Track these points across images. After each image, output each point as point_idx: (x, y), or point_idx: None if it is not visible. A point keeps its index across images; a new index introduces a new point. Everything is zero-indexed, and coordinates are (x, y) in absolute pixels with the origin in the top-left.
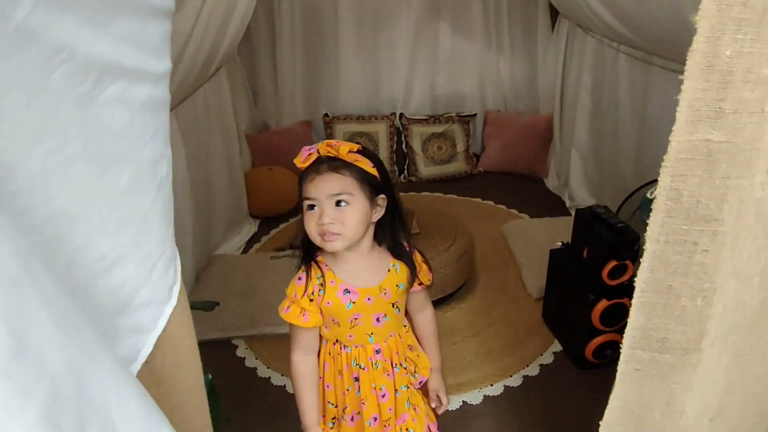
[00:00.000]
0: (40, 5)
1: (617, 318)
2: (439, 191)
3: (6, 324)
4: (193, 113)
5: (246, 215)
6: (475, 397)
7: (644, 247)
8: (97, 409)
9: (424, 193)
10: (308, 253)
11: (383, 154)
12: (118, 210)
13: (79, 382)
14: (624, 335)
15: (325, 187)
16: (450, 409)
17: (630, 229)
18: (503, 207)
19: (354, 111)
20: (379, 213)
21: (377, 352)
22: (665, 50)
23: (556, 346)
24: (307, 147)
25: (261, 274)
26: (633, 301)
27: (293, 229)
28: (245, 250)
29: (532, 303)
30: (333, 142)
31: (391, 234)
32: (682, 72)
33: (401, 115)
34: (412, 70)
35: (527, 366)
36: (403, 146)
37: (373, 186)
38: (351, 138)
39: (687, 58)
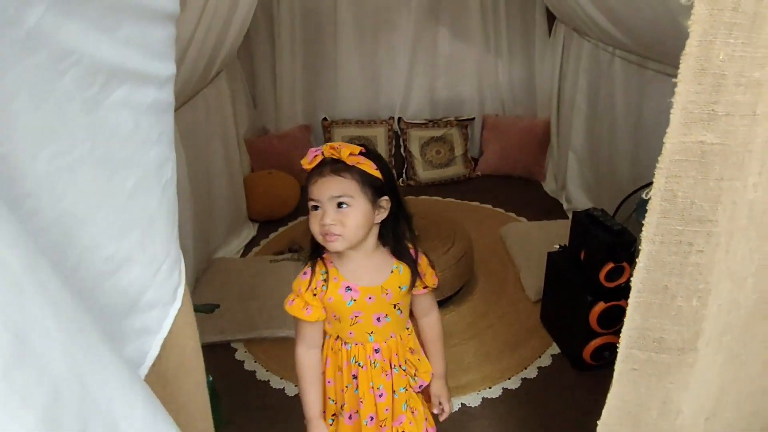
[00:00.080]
0: (50, 11)
1: (615, 320)
2: (438, 195)
3: (7, 326)
4: (193, 117)
5: (245, 219)
6: (473, 400)
7: (640, 248)
8: (101, 413)
9: (423, 197)
10: (315, 249)
11: None
12: (124, 212)
13: (82, 385)
14: (621, 335)
15: (326, 189)
16: None
17: (627, 232)
18: (501, 210)
19: (353, 115)
20: (382, 214)
21: (376, 351)
22: (659, 54)
23: (554, 349)
24: (314, 149)
25: (260, 278)
26: (629, 301)
27: (292, 233)
28: (244, 254)
29: (531, 305)
30: (336, 144)
31: (394, 235)
32: (676, 76)
33: (400, 119)
34: (411, 75)
35: (525, 368)
36: (402, 150)
37: (375, 188)
38: (351, 142)
39: (680, 61)
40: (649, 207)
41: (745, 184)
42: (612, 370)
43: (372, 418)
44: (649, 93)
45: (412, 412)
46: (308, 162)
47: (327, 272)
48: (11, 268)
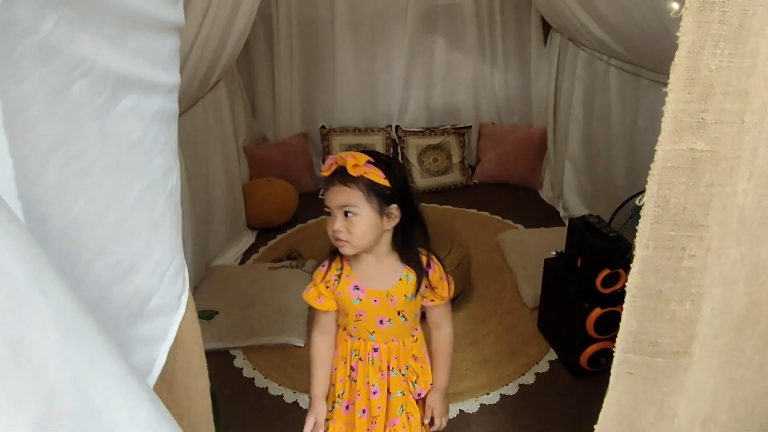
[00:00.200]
0: (62, 21)
1: (611, 326)
2: (435, 202)
3: (3, 334)
4: (193, 125)
5: (244, 226)
6: (471, 406)
7: (634, 253)
8: (100, 423)
9: (420, 204)
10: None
11: None
12: (130, 218)
13: (81, 395)
14: (616, 340)
15: (335, 199)
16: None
17: (622, 238)
18: (498, 218)
19: (351, 123)
20: (392, 222)
21: (375, 350)
22: (653, 63)
23: (552, 355)
24: (332, 156)
25: (259, 285)
26: (624, 305)
27: (291, 240)
28: (243, 261)
29: (528, 312)
30: (346, 154)
31: (404, 242)
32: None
33: (397, 127)
34: (408, 84)
35: (523, 374)
36: (400, 158)
37: (383, 196)
38: (349, 150)
39: (670, 71)
40: (642, 213)
41: (735, 189)
42: (609, 376)
43: (365, 411)
44: (644, 101)
45: (408, 418)
46: (325, 169)
47: (342, 268)
48: (12, 275)
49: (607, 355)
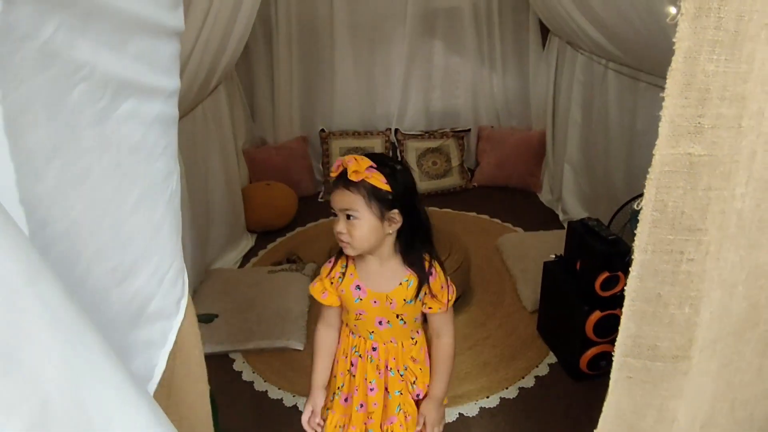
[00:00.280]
0: (63, 27)
1: (611, 329)
2: (435, 205)
3: None
4: (192, 129)
5: (243, 230)
6: (471, 410)
7: (633, 257)
8: (95, 430)
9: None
10: None
11: None
12: (130, 222)
13: (76, 401)
14: (616, 344)
15: (338, 201)
16: (446, 422)
17: (621, 241)
18: (498, 221)
19: (350, 126)
20: (394, 226)
21: (374, 349)
22: (651, 67)
23: (551, 358)
24: (339, 159)
25: (258, 288)
26: (623, 309)
27: (290, 244)
28: (242, 265)
29: (527, 315)
30: (350, 158)
31: (406, 245)
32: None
33: (396, 130)
34: (407, 87)
35: (523, 378)
36: None
37: (384, 201)
38: (348, 153)
39: (667, 76)
40: (640, 217)
41: (733, 193)
42: (608, 379)
43: (362, 406)
44: (642, 104)
45: (405, 417)
46: (333, 171)
47: (347, 266)
48: (8, 280)
49: (606, 359)
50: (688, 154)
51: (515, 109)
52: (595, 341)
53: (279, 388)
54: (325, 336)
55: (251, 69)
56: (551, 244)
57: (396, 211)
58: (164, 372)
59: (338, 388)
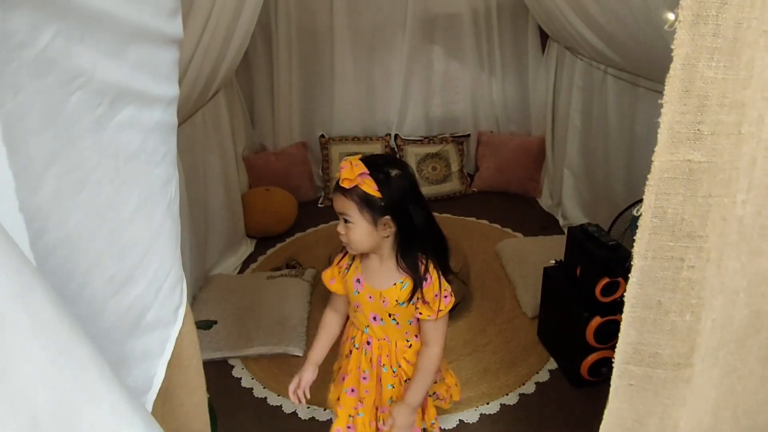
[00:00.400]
0: (60, 35)
1: (611, 335)
2: (434, 211)
3: None
4: (192, 135)
5: (243, 235)
6: (471, 416)
7: (632, 263)
8: None
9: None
10: None
11: None
12: (128, 230)
13: (66, 419)
14: (616, 351)
15: (336, 205)
16: (447, 428)
17: (621, 247)
18: (497, 226)
19: (350, 132)
20: (388, 230)
21: (368, 343)
22: (649, 72)
23: (552, 364)
24: (344, 162)
25: (258, 294)
26: (623, 316)
27: (290, 249)
28: (242, 270)
29: (528, 321)
30: (345, 163)
31: (401, 249)
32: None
33: (396, 135)
34: (407, 92)
35: (523, 384)
36: None
37: (376, 208)
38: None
39: (665, 83)
40: (639, 223)
41: (734, 200)
42: (609, 386)
43: (353, 391)
44: (642, 109)
45: None
46: (337, 174)
47: (354, 259)
48: None
49: (607, 365)
50: (687, 161)
51: (515, 114)
52: (596, 347)
53: (278, 395)
54: (330, 318)
55: (251, 75)
56: (551, 249)
57: (388, 217)
58: (162, 382)
59: (338, 368)
